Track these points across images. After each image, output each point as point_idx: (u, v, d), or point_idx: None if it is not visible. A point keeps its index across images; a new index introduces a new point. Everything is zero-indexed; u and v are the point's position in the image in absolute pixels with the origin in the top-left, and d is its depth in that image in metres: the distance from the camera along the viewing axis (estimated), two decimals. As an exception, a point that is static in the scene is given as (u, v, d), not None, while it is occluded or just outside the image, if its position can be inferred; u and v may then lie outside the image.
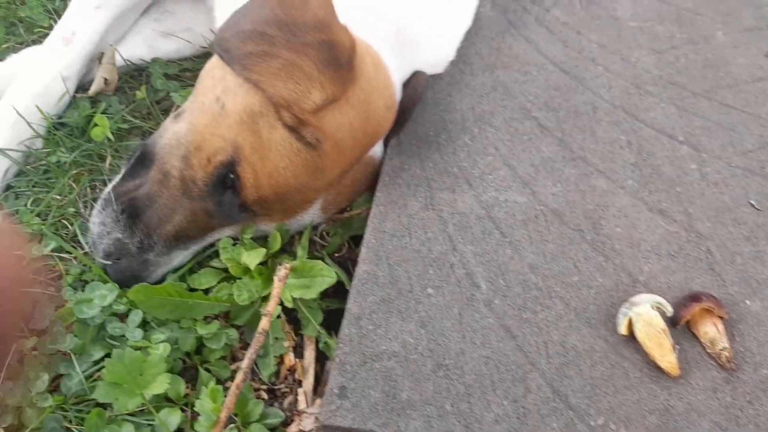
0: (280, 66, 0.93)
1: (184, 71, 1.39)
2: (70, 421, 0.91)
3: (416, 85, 1.12)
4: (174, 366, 0.96)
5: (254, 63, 0.94)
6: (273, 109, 0.95)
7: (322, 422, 0.83)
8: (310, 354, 1.05)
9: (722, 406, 0.83)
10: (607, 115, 1.18)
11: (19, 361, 0.93)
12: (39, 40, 1.38)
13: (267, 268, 1.04)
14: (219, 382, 0.99)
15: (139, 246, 1.00)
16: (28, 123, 1.15)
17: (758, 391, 0.85)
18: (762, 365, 0.87)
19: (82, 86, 1.30)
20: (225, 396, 0.89)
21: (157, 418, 0.89)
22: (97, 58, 1.30)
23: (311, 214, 1.06)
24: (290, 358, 1.04)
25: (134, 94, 1.31)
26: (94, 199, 1.13)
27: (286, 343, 1.04)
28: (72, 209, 1.12)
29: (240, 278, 1.03)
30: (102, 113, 1.24)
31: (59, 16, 1.31)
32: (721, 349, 0.88)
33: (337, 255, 1.13)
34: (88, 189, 1.16)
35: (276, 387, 1.02)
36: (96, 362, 0.95)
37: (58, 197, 1.13)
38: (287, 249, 1.10)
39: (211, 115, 0.98)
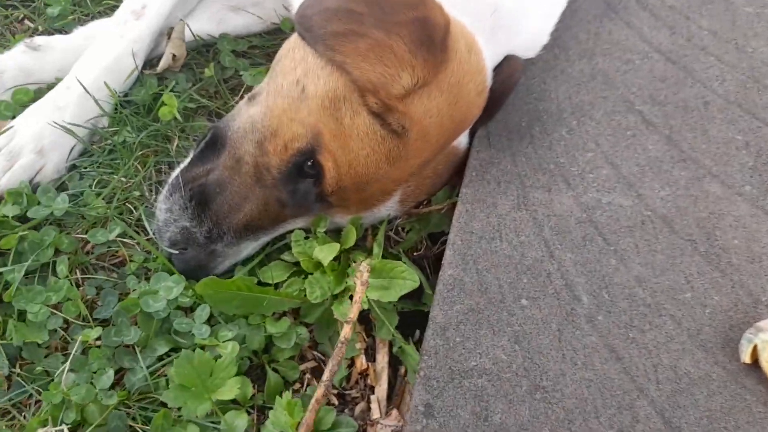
0: (368, 46, 0.86)
1: (253, 48, 1.32)
2: (134, 419, 0.87)
3: (511, 70, 1.02)
4: (240, 365, 0.91)
5: (340, 43, 0.88)
6: (358, 93, 0.89)
7: (407, 442, 0.76)
8: (382, 358, 0.99)
9: None
10: (720, 112, 1.07)
11: (83, 353, 0.89)
12: (105, 12, 1.33)
13: (339, 264, 0.98)
14: (287, 383, 0.94)
15: (207, 235, 0.95)
16: (95, 99, 1.10)
17: None
18: None
19: (149, 62, 1.24)
20: (295, 400, 0.83)
21: (224, 422, 0.84)
22: (165, 33, 1.24)
23: (388, 207, 0.99)
24: (362, 362, 0.98)
25: (201, 72, 1.25)
26: (160, 183, 1.08)
27: (357, 345, 0.98)
28: (137, 192, 1.06)
29: (311, 273, 0.98)
30: (169, 91, 1.18)
31: (127, -12, 1.26)
32: None
33: (415, 254, 1.05)
34: (154, 172, 1.11)
35: (347, 392, 0.96)
36: (160, 357, 0.91)
37: (123, 179, 1.08)
38: (359, 243, 1.03)
39: (290, 98, 0.92)
